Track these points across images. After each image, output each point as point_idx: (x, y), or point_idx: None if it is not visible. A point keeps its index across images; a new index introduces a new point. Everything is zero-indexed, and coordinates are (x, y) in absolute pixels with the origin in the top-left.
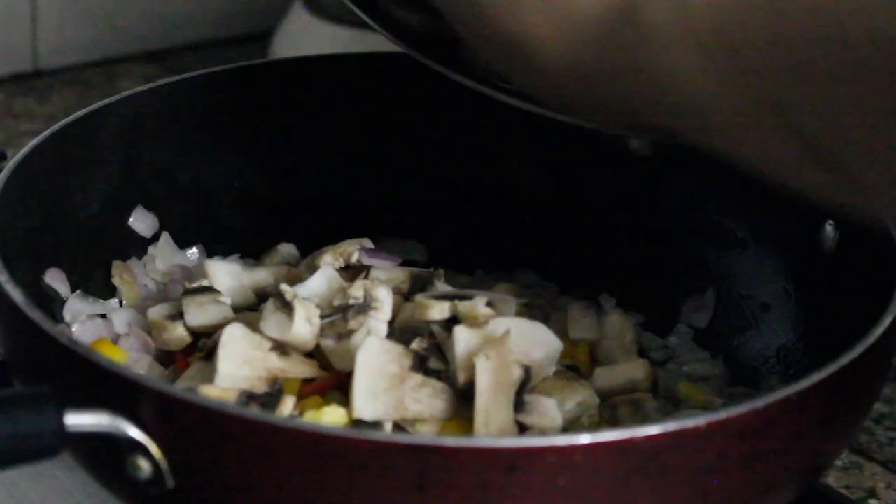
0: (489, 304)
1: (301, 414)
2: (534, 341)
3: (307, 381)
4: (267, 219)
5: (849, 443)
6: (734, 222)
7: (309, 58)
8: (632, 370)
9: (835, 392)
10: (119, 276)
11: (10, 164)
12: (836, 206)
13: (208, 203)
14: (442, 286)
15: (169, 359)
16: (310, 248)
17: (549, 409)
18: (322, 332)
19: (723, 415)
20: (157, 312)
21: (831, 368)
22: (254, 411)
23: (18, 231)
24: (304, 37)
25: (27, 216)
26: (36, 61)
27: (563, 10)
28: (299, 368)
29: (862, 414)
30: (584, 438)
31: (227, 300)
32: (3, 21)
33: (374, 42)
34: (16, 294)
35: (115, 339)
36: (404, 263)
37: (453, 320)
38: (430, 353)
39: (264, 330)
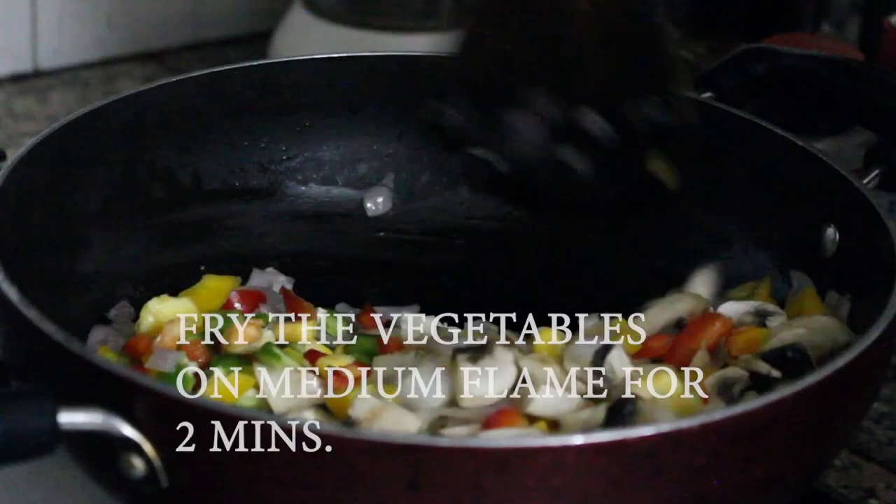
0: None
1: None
2: None
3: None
4: (266, 219)
5: (847, 443)
6: (734, 222)
7: (309, 58)
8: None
9: (833, 392)
10: None
11: (10, 163)
12: None
13: (208, 203)
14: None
15: None
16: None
17: None
18: None
19: (717, 416)
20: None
21: (830, 369)
22: (247, 409)
23: (17, 231)
24: (304, 37)
25: (26, 216)
26: (36, 61)
27: None
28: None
29: (860, 414)
30: (578, 439)
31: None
32: (3, 21)
33: (374, 42)
34: (12, 293)
35: None
36: None
37: None
38: None
39: None
